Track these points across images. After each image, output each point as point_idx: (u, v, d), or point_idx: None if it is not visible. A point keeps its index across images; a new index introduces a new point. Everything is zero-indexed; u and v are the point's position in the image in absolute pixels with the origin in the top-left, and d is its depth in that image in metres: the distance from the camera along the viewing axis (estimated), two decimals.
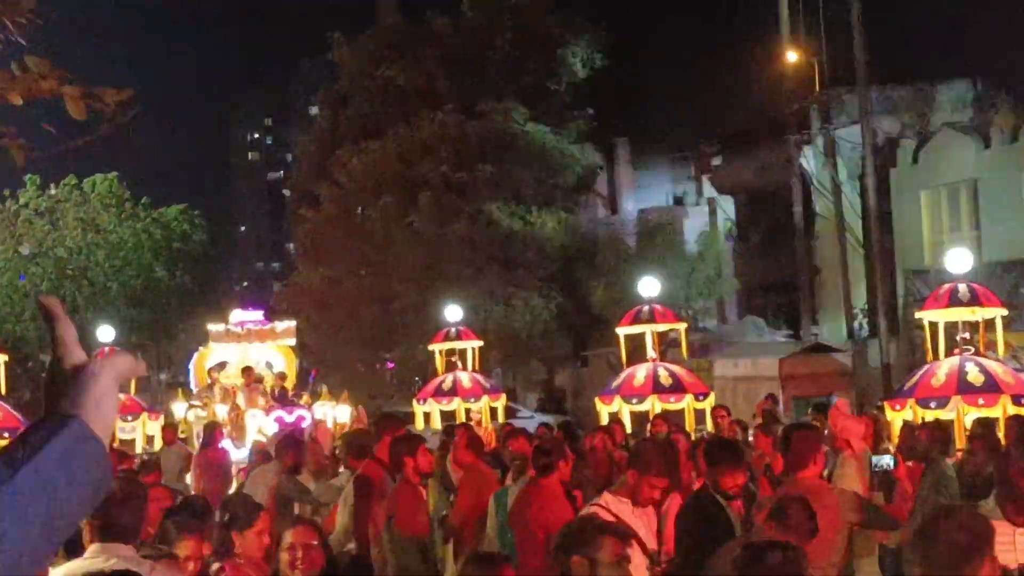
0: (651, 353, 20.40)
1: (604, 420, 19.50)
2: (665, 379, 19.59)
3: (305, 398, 24.33)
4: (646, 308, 20.71)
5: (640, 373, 19.89)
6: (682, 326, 21.70)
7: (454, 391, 23.05)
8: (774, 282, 38.02)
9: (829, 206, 35.30)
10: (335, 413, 22.02)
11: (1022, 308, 22.90)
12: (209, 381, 23.92)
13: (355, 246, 41.01)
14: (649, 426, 16.13)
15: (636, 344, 21.28)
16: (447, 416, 22.82)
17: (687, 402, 19.35)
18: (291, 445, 12.64)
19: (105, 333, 24.23)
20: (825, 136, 35.33)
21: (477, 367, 24.41)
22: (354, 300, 40.57)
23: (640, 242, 39.22)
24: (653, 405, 19.03)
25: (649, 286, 21.14)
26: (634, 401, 19.35)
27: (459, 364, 23.97)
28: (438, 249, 38.68)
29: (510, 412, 27.75)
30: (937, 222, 31.49)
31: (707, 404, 19.83)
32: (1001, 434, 12.87)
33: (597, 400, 20.45)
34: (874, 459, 10.56)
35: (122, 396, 22.65)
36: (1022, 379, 17.10)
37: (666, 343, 24.73)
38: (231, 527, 6.86)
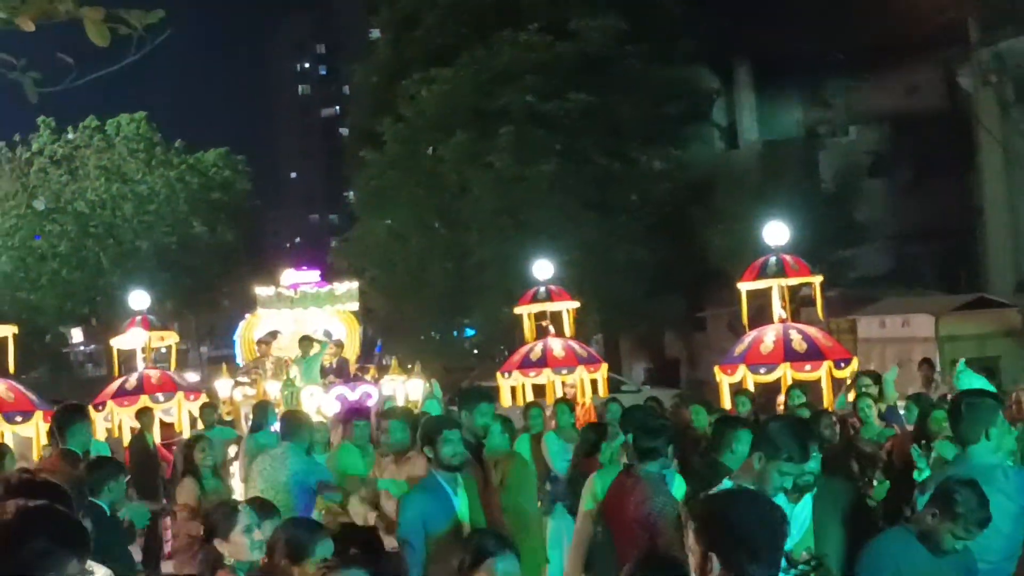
0: (780, 313, 20.27)
1: (725, 393, 19.48)
2: (798, 344, 19.45)
3: (371, 372, 24.47)
4: (773, 259, 20.55)
5: (768, 337, 19.77)
6: (817, 280, 21.50)
7: (544, 361, 23.11)
8: (928, 227, 37.61)
9: (994, 134, 34.81)
10: (406, 389, 22.13)
11: None
12: (258, 354, 24.13)
13: (424, 193, 41.14)
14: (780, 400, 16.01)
15: (762, 302, 21.15)
16: (538, 391, 22.88)
17: (825, 370, 19.19)
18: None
19: (138, 300, 24.47)
20: (987, 50, 34.80)
21: (572, 333, 24.43)
22: (425, 256, 40.75)
23: (766, 181, 38.94)
24: (785, 375, 18.90)
25: (776, 233, 20.96)
26: (762, 371, 19.25)
27: (551, 329, 24.00)
28: (522, 194, 38.66)
29: (613, 385, 27.75)
30: None
31: (849, 372, 19.67)
32: None
33: (717, 369, 20.38)
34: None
35: (156, 372, 22.96)
36: None
37: (798, 301, 24.59)
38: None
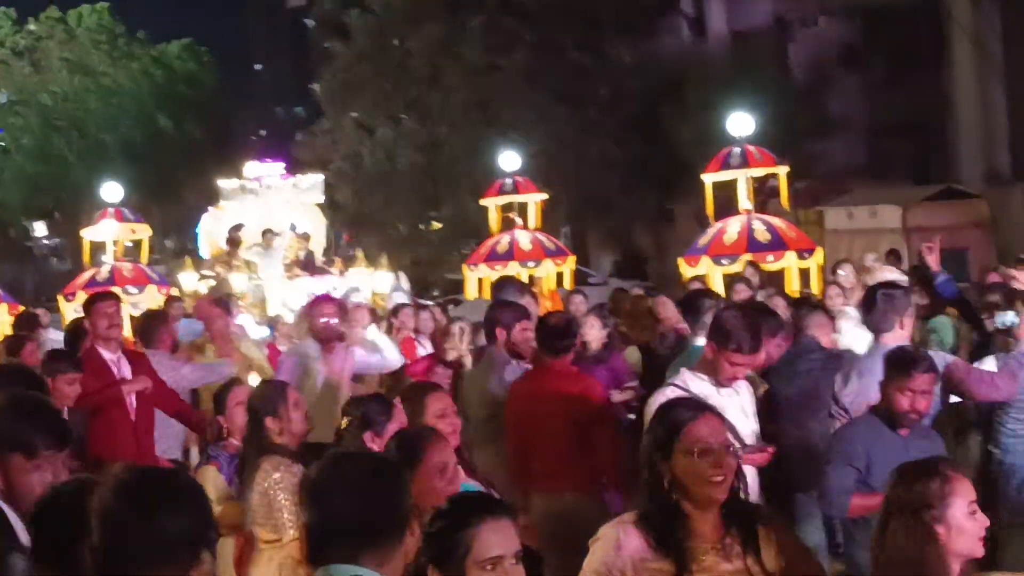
0: (744, 204, 20.29)
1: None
2: (762, 234, 19.53)
3: (337, 265, 24.47)
4: (737, 150, 20.56)
5: (732, 228, 19.83)
6: (782, 170, 21.50)
7: (511, 254, 23.13)
8: (900, 119, 37.51)
9: (964, 27, 34.65)
10: (372, 281, 22.15)
11: None
12: (225, 247, 24.08)
13: (393, 85, 40.87)
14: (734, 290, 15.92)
15: (729, 194, 21.16)
16: None
17: (789, 261, 19.27)
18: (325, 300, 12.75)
19: (111, 192, 24.27)
20: None
21: (539, 225, 24.42)
22: (392, 149, 40.56)
23: (735, 73, 38.75)
24: (744, 265, 18.94)
25: (741, 124, 20.95)
26: (725, 261, 19.30)
27: (518, 221, 23.99)
28: (492, 86, 38.47)
29: (580, 277, 27.80)
30: None
31: (814, 262, 19.75)
32: None
33: (681, 261, 20.46)
34: (997, 316, 10.86)
35: (128, 264, 22.88)
36: None
37: (765, 192, 24.60)
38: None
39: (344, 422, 6.66)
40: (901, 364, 7.23)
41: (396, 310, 15.93)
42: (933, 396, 7.41)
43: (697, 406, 5.36)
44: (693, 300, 9.96)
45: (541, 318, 10.05)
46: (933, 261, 11.15)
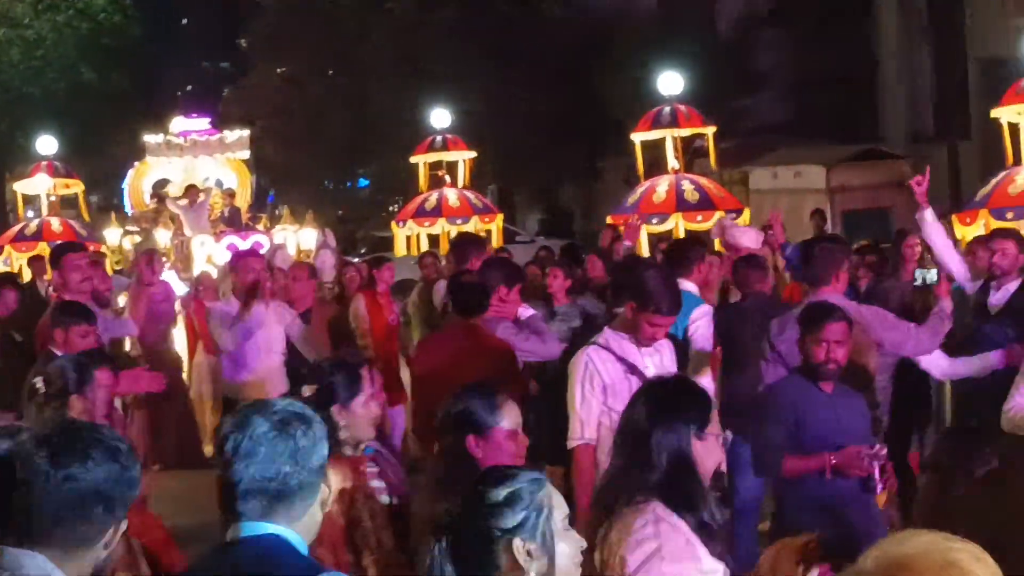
0: (673, 163, 20.37)
1: None
2: (691, 194, 19.65)
3: (263, 221, 24.36)
4: (667, 109, 20.64)
5: (661, 187, 19.94)
6: (710, 130, 21.61)
7: (439, 211, 23.12)
8: (826, 77, 37.63)
9: None
10: (298, 238, 22.06)
11: None
12: (151, 203, 23.90)
13: (321, 39, 40.60)
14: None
15: (657, 153, 21.23)
16: (433, 241, 22.91)
17: (717, 220, 19.34)
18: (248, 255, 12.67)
19: (45, 145, 23.97)
20: None
21: (468, 183, 24.42)
22: (320, 105, 40.35)
23: (663, 29, 38.75)
24: (677, 224, 19.05)
25: (670, 83, 21.01)
26: (654, 220, 19.38)
27: (447, 179, 23.96)
28: (421, 41, 38.28)
29: (507, 235, 27.82)
30: (1015, 1, 31.00)
31: (740, 223, 19.86)
32: None
33: (609, 219, 20.46)
34: (918, 272, 11.07)
35: (56, 220, 22.66)
36: None
37: (692, 151, 24.69)
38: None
39: (307, 390, 6.06)
40: (813, 316, 7.36)
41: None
42: (849, 346, 7.46)
43: None
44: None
45: (453, 277, 10.05)
46: (778, 231, 11.60)
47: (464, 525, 3.79)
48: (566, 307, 11.70)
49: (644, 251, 19.00)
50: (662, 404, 5.05)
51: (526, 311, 9.25)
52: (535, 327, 9.07)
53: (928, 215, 10.36)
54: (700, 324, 9.34)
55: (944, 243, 10.78)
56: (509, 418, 5.57)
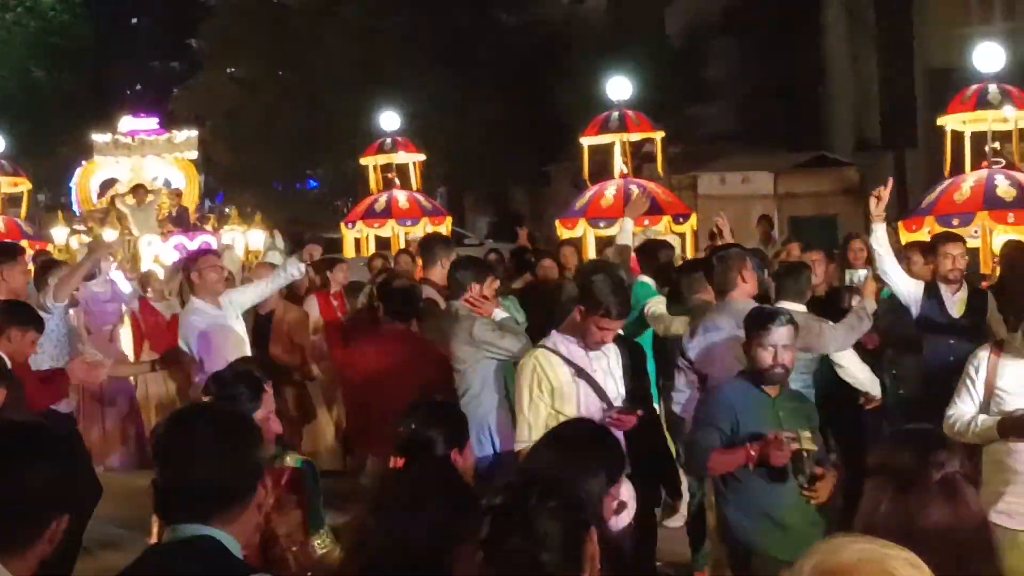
0: (621, 168, 20.40)
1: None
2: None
3: (211, 222, 24.23)
4: (615, 114, 20.66)
5: (609, 191, 19.96)
6: (658, 135, 21.65)
7: (388, 212, 23.07)
8: (776, 85, 37.78)
9: None
10: (246, 239, 21.94)
11: None
12: (98, 204, 23.73)
13: (272, 42, 40.45)
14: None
15: (605, 158, 21.25)
16: (382, 243, 22.84)
17: (664, 225, 19.40)
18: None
19: None
20: None
21: (418, 185, 24.37)
22: (271, 106, 40.20)
23: (614, 36, 38.82)
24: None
25: (619, 88, 21.03)
26: (601, 224, 19.40)
27: (396, 182, 23.91)
28: (373, 46, 38.20)
29: (456, 238, 27.76)
30: (962, 12, 31.20)
31: (688, 227, 19.93)
32: None
33: (558, 223, 20.54)
34: (847, 273, 11.79)
35: (1, 219, 22.44)
36: None
37: (641, 156, 24.73)
38: None
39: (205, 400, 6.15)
40: (758, 320, 7.41)
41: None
42: (795, 350, 7.54)
43: None
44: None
45: (383, 281, 10.07)
46: (725, 233, 11.84)
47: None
48: None
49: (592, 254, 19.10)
50: (573, 451, 4.80)
51: (500, 313, 9.20)
52: (510, 328, 9.04)
53: (879, 231, 10.39)
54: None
55: (892, 260, 10.87)
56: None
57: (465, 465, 5.51)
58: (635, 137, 21.42)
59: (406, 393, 8.85)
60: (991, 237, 14.74)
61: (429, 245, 11.60)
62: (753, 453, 7.05)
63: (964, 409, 7.66)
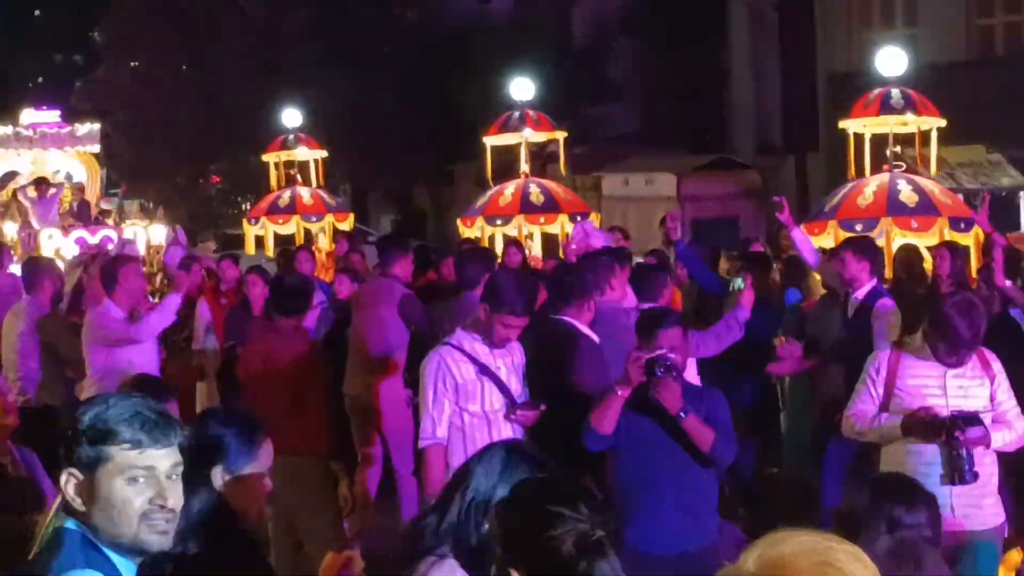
0: (523, 167, 20.47)
1: None
2: (536, 197, 19.74)
3: (112, 216, 23.99)
4: (516, 114, 20.70)
5: (508, 190, 20.05)
6: (561, 136, 21.69)
7: (293, 208, 22.97)
8: (679, 87, 37.97)
9: None
10: (148, 234, 21.77)
11: (963, 118, 23.05)
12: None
13: (173, 35, 40.04)
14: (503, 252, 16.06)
15: (508, 157, 21.29)
16: (284, 239, 22.72)
17: (562, 223, 19.50)
18: (40, 270, 12.41)
19: None
20: None
21: (321, 182, 24.26)
22: (172, 100, 39.77)
23: (518, 35, 38.86)
24: (520, 227, 19.15)
25: (522, 88, 21.07)
26: (498, 222, 19.45)
27: (299, 178, 23.80)
28: (275, 41, 37.96)
29: (360, 235, 27.70)
30: (865, 17, 31.50)
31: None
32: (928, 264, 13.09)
33: (459, 222, 20.57)
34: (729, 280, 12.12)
35: None
36: (960, 200, 17.49)
37: (544, 156, 24.79)
38: None
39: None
40: (646, 324, 7.42)
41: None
42: (687, 351, 7.63)
43: None
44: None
45: (276, 277, 10.06)
46: (672, 230, 12.81)
47: None
48: None
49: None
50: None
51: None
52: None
53: (797, 235, 10.54)
54: None
55: (815, 258, 10.98)
56: None
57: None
58: (539, 137, 21.46)
59: (285, 389, 8.92)
60: (894, 243, 14.85)
61: (385, 246, 12.01)
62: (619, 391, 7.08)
63: (864, 409, 7.71)
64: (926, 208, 15.11)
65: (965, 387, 7.50)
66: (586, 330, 8.76)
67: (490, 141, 21.15)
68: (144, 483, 3.50)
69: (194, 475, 4.06)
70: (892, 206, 15.22)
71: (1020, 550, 6.27)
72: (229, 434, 4.85)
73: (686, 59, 36.03)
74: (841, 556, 2.55)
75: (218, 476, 4.74)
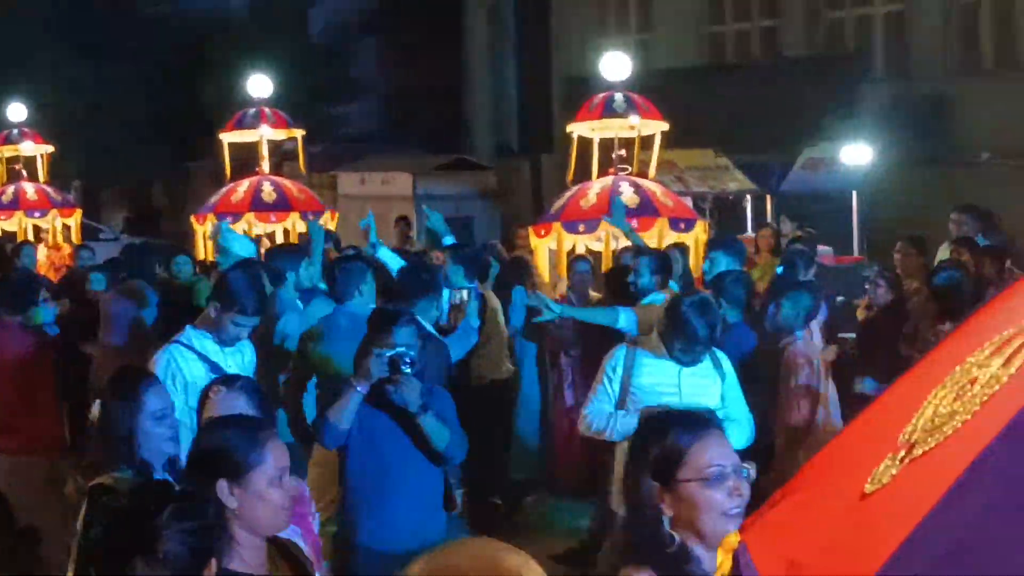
0: (264, 165, 20.45)
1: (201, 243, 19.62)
2: (268, 195, 19.71)
3: None
4: (252, 111, 20.64)
5: (241, 188, 20.00)
6: (299, 133, 21.66)
7: (16, 204, 22.55)
8: (418, 87, 38.09)
9: None
10: None
11: (694, 123, 23.59)
12: None
13: None
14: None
15: (249, 155, 21.22)
16: (7, 235, 22.30)
17: (293, 221, 19.54)
18: None
19: None
20: None
21: (46, 178, 23.81)
22: None
23: (257, 32, 38.54)
24: (250, 225, 19.15)
25: (259, 85, 21.01)
26: (229, 219, 19.34)
27: (24, 173, 23.33)
28: (3, 31, 36.95)
29: (90, 232, 27.28)
30: (599, 22, 32.01)
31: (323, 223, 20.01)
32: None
33: (192, 220, 20.42)
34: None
35: None
36: (683, 202, 17.94)
37: (281, 154, 24.74)
38: None
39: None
40: (382, 321, 7.35)
41: None
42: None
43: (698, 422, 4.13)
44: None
45: (4, 276, 9.92)
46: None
47: None
48: None
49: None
50: None
51: None
52: None
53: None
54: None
55: None
56: None
57: None
58: (277, 135, 21.41)
59: (11, 389, 8.79)
60: (616, 243, 15.14)
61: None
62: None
63: (601, 407, 7.88)
64: (646, 209, 15.43)
65: (698, 385, 7.76)
66: None
67: (227, 138, 21.04)
68: None
69: None
70: (615, 207, 15.54)
71: (736, 532, 6.48)
72: None
73: (425, 59, 36.18)
74: (513, 563, 2.54)
75: None
